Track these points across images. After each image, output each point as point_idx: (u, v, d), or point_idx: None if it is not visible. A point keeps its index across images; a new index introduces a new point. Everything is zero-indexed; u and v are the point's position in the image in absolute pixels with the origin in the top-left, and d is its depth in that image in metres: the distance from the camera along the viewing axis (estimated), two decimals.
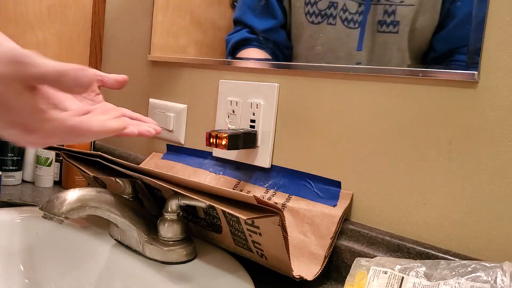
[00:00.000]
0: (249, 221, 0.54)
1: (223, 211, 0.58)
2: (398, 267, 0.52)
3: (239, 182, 0.77)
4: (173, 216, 0.60)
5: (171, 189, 0.55)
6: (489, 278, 0.46)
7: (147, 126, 0.56)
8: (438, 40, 0.55)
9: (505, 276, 0.45)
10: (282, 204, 0.68)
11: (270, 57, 0.76)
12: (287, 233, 0.52)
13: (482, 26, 0.53)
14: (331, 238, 0.61)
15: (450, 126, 0.55)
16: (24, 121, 0.35)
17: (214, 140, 0.69)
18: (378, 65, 0.62)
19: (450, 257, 0.53)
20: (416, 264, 0.51)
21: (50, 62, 0.34)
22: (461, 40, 0.54)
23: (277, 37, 0.72)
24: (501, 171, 0.52)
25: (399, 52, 0.57)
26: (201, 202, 0.56)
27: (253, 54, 0.79)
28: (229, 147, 0.69)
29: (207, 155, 0.84)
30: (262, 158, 0.74)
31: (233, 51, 0.80)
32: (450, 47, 0.53)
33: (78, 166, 0.65)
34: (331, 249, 0.62)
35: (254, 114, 0.75)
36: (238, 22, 0.79)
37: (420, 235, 0.58)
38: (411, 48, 0.56)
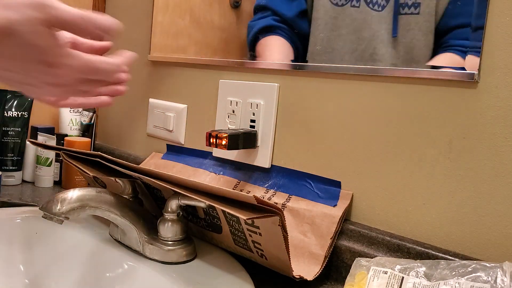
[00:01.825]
0: (249, 221, 0.54)
1: (223, 211, 0.58)
2: (398, 267, 0.52)
3: (239, 182, 0.77)
4: (173, 216, 0.61)
5: (171, 189, 0.55)
6: (489, 278, 0.46)
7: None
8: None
9: (505, 276, 0.45)
10: (282, 204, 0.68)
11: (291, 47, 0.75)
12: (287, 233, 0.52)
13: (482, 26, 0.53)
14: (331, 238, 0.61)
15: (450, 126, 0.55)
16: (48, 57, 0.43)
17: (214, 140, 0.69)
18: (376, 61, 0.62)
19: (450, 257, 0.53)
20: (416, 264, 0.51)
21: (72, 8, 0.42)
22: (460, 18, 0.54)
23: (302, 25, 0.71)
24: (501, 171, 0.52)
25: (423, 35, 0.57)
26: (201, 202, 0.56)
27: (273, 42, 0.77)
28: (229, 147, 0.69)
29: (207, 155, 0.84)
30: (262, 158, 0.74)
31: (255, 38, 0.79)
32: (452, 24, 0.54)
33: (78, 166, 0.65)
34: (331, 249, 0.62)
35: (254, 114, 0.75)
36: (263, 8, 0.78)
37: (420, 235, 0.58)
38: (436, 32, 0.57)
